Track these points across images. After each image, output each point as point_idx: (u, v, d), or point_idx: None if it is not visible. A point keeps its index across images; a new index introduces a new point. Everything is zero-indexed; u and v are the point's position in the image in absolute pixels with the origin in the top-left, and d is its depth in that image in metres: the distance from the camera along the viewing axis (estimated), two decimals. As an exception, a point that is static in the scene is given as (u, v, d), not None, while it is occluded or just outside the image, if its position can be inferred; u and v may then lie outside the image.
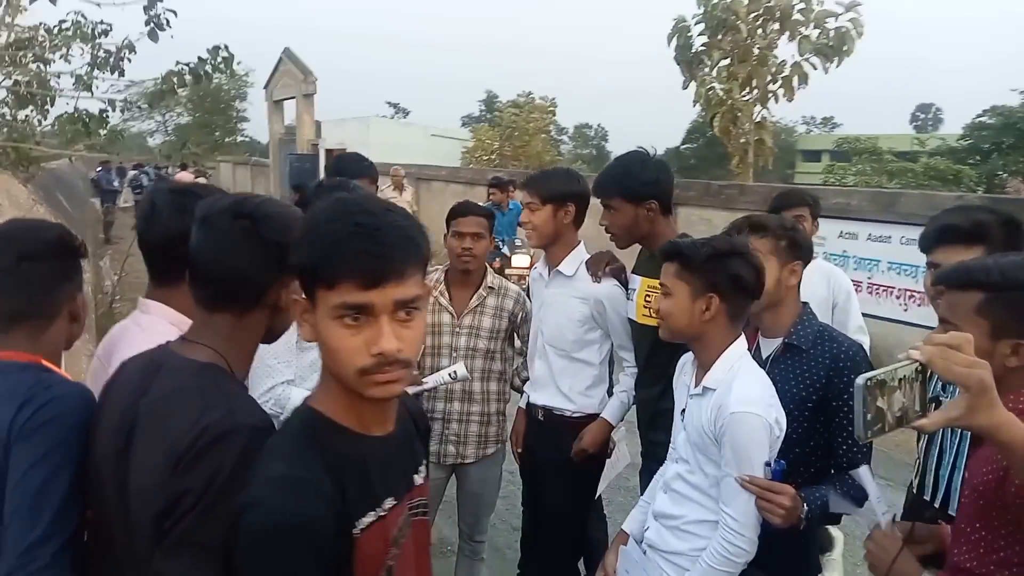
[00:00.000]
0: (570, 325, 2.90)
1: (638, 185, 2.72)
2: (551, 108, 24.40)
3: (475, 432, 3.13)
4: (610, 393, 2.98)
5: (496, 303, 3.13)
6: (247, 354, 1.43)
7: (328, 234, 1.11)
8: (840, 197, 8.80)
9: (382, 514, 1.22)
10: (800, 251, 2.19)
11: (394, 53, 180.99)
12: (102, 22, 3.20)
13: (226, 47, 2.80)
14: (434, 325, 3.08)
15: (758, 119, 13.87)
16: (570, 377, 2.94)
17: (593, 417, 2.90)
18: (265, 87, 29.78)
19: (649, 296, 2.72)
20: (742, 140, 13.67)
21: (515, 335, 3.24)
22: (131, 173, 26.78)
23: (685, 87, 14.53)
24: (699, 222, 10.06)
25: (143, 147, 55.54)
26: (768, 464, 1.93)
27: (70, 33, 2.94)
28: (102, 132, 2.51)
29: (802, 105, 39.83)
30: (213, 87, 44.34)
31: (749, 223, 2.26)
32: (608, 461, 3.03)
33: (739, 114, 13.52)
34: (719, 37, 13.53)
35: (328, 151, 23.88)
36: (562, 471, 2.92)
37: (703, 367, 2.02)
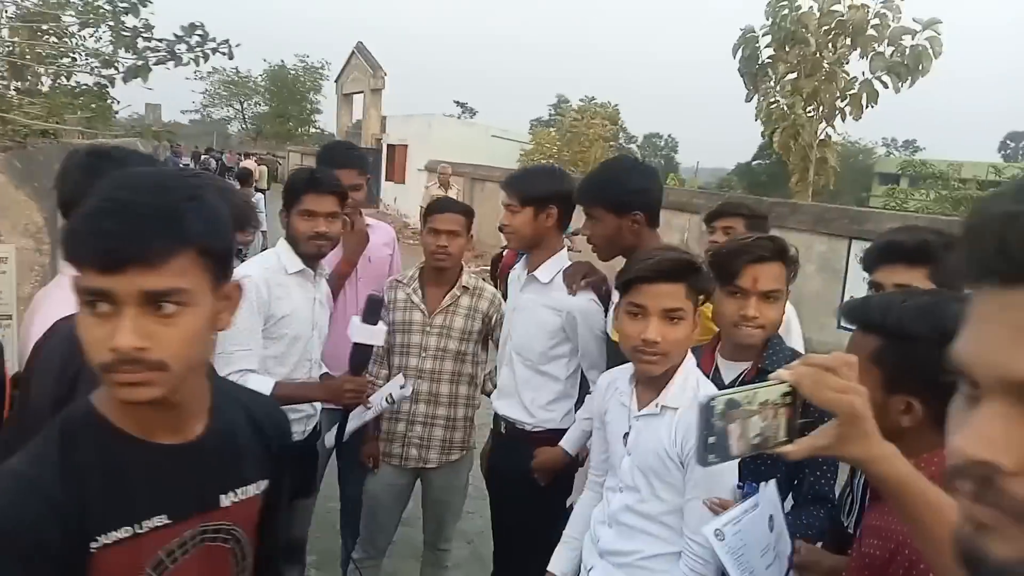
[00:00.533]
0: (539, 335, 2.75)
1: (623, 194, 2.53)
2: (613, 114, 24.23)
3: (439, 437, 3.05)
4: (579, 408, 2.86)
5: (470, 303, 3.05)
6: None
7: (81, 210, 1.01)
8: (893, 222, 8.42)
9: (139, 532, 1.08)
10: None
11: (468, 52, 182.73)
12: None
13: (202, 25, 2.79)
14: (405, 323, 3.01)
15: (822, 136, 13.37)
16: (533, 390, 2.79)
17: (554, 432, 2.76)
18: (336, 80, 30.46)
19: None
20: (803, 158, 13.20)
21: (488, 338, 3.15)
22: (203, 157, 27.82)
23: (748, 100, 14.12)
24: (747, 239, 9.79)
25: (222, 134, 57.56)
26: (740, 487, 1.80)
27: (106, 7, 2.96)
28: (92, 107, 2.52)
29: (883, 126, 38.44)
30: (290, 78, 45.76)
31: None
32: (580, 471, 2.91)
33: (801, 130, 13.05)
34: (786, 50, 13.10)
35: (390, 147, 24.21)
36: (521, 484, 2.80)
37: (654, 386, 1.87)
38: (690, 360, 1.89)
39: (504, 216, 2.77)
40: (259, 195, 11.26)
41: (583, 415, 2.68)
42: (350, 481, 3.41)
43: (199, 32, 2.70)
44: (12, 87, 2.49)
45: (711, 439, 1.05)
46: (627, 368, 1.97)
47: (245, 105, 51.06)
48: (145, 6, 2.91)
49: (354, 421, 2.87)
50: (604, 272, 2.83)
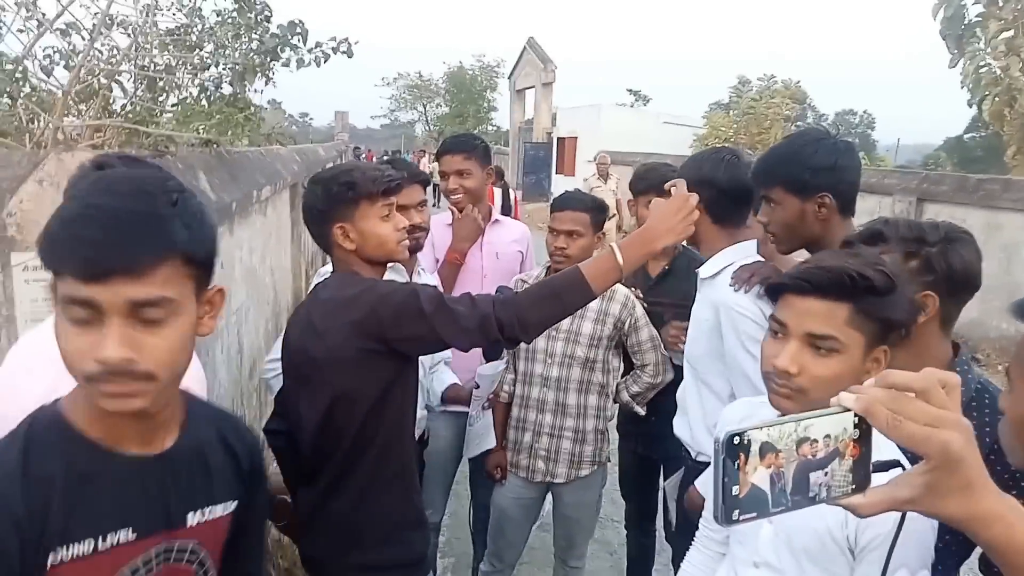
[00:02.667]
0: (697, 337, 2.36)
1: (806, 171, 2.04)
2: (797, 92, 22.55)
3: (567, 450, 2.85)
4: None
5: (600, 307, 2.81)
6: None
7: (58, 214, 0.97)
8: None
9: (102, 548, 1.03)
10: (937, 277, 1.54)
11: (644, 40, 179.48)
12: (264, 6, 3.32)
13: (301, 23, 2.80)
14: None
15: (1046, 101, 11.58)
16: (696, 405, 2.39)
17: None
18: (509, 77, 31.00)
19: None
20: (1021, 127, 11.48)
21: (623, 344, 2.91)
22: (377, 158, 29.80)
23: (952, 65, 12.52)
24: (950, 221, 8.66)
25: (409, 136, 60.79)
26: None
27: (245, 21, 3.10)
28: (215, 117, 2.61)
29: None
30: (468, 78, 47.33)
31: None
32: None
33: (1018, 95, 11.36)
34: (999, 4, 11.46)
35: (560, 139, 24.24)
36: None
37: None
38: None
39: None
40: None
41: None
42: (479, 485, 3.32)
43: (299, 31, 2.74)
44: (147, 100, 2.64)
45: (735, 489, 0.76)
46: (765, 402, 1.52)
47: (428, 108, 53.49)
48: (268, 19, 2.98)
49: (477, 427, 2.83)
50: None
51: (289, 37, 2.84)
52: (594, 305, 2.80)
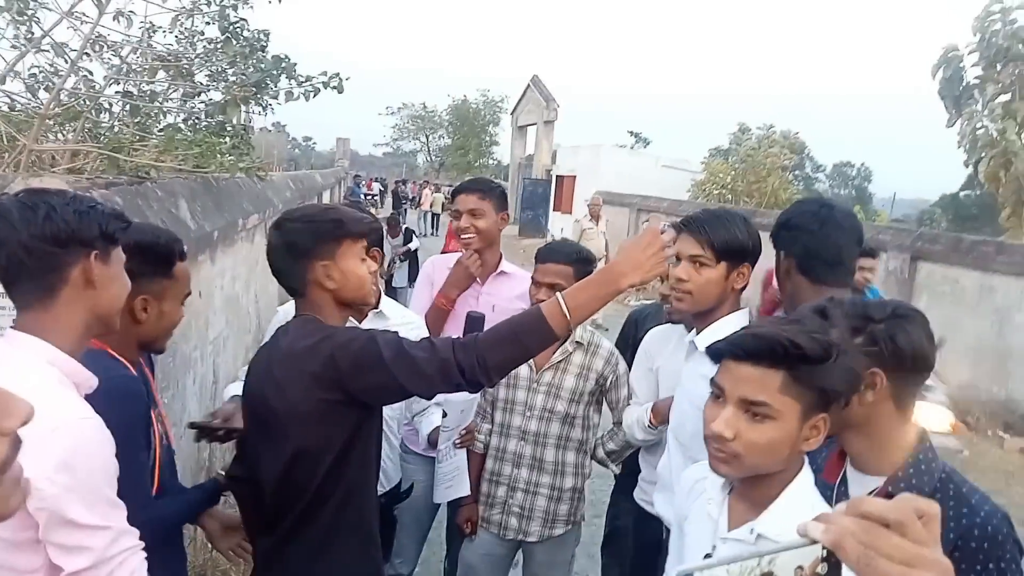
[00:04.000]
0: (691, 413, 2.11)
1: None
2: (795, 143, 22.74)
3: (542, 507, 2.74)
4: None
5: (583, 361, 2.72)
6: None
7: None
8: None
9: None
10: (883, 354, 1.47)
11: (646, 83, 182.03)
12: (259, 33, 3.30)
13: (287, 58, 2.77)
14: (510, 376, 2.72)
15: (1041, 166, 11.68)
16: None
17: None
18: (512, 113, 31.29)
19: None
20: (1016, 190, 11.56)
21: (602, 399, 2.82)
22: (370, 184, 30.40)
23: (950, 125, 12.66)
24: (943, 282, 8.65)
25: (411, 165, 61.12)
26: None
27: (242, 50, 3.08)
28: (198, 146, 2.56)
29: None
30: (471, 112, 47.76)
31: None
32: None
33: (1014, 158, 11.46)
34: (997, 68, 11.62)
35: (559, 177, 24.36)
36: None
37: (753, 499, 1.40)
38: (806, 476, 1.42)
39: (683, 269, 2.16)
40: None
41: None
42: (456, 536, 3.20)
43: (284, 66, 2.71)
44: (131, 125, 2.59)
45: None
46: None
47: (430, 138, 53.89)
48: (263, 49, 2.96)
49: (445, 466, 2.72)
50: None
51: (276, 72, 2.80)
52: (577, 359, 2.73)
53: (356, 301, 1.85)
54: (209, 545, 3.52)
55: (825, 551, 0.71)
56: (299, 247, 1.79)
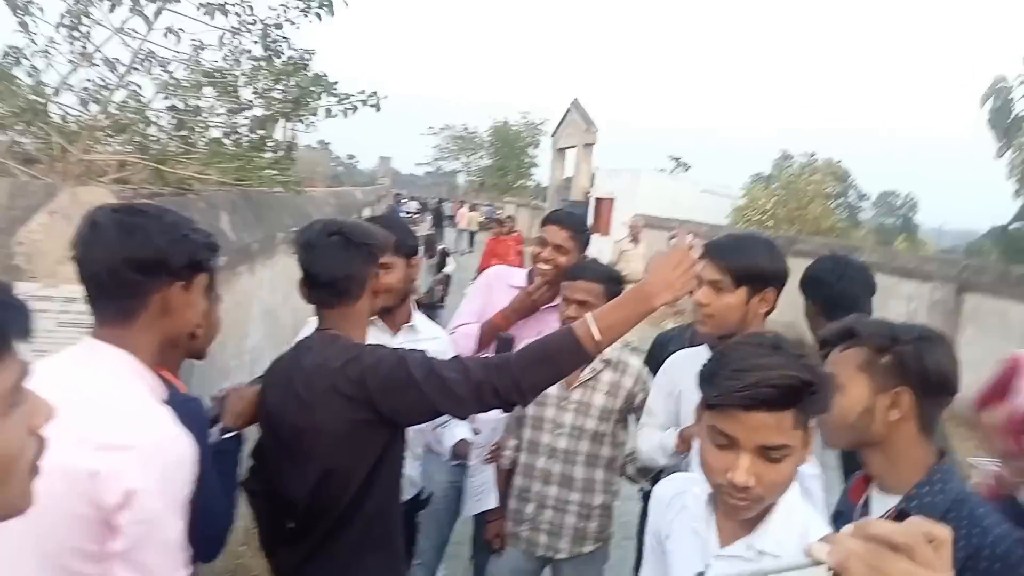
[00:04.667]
0: None
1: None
2: (838, 170, 22.41)
3: (571, 524, 2.74)
4: None
5: (612, 379, 2.74)
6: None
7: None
8: None
9: None
10: (910, 375, 1.50)
11: (686, 114, 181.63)
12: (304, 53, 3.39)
13: (325, 76, 2.84)
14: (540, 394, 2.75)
15: (1096, 198, 11.35)
16: None
17: None
18: (552, 135, 31.40)
19: None
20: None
21: (630, 418, 2.81)
22: (404, 202, 30.92)
23: (1000, 155, 12.41)
24: (990, 314, 8.41)
25: (451, 185, 61.72)
26: None
27: (288, 68, 3.17)
28: (239, 160, 2.63)
29: None
30: (511, 134, 48.09)
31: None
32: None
33: (1066, 190, 11.17)
34: (1048, 99, 11.37)
35: (598, 200, 24.33)
36: None
37: (748, 518, 1.36)
38: (795, 486, 1.40)
39: (703, 293, 2.19)
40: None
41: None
42: (481, 550, 3.20)
43: (323, 83, 2.77)
44: (176, 139, 2.67)
45: None
46: (699, 479, 1.45)
47: (471, 159, 54.31)
48: (306, 67, 3.04)
49: (476, 480, 2.72)
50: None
51: (315, 90, 2.87)
52: (606, 378, 2.73)
53: (379, 310, 1.90)
54: (238, 552, 3.57)
55: (831, 573, 0.70)
56: (359, 262, 1.80)
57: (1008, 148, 12.18)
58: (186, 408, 1.46)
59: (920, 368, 1.48)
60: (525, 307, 2.96)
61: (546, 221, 3.00)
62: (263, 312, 4.22)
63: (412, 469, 2.70)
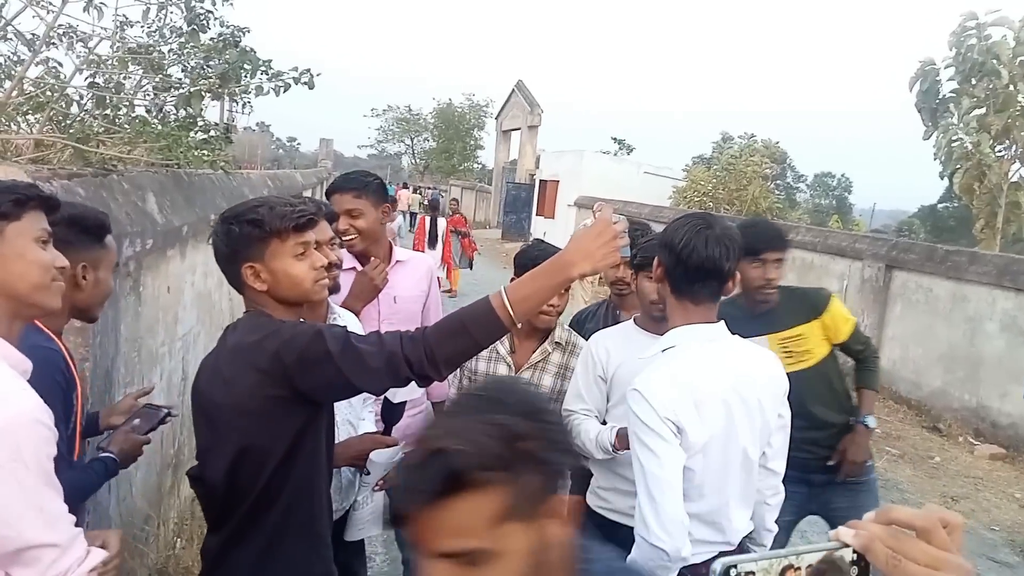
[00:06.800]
0: None
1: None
2: (776, 152, 22.93)
3: None
4: None
5: (561, 360, 2.75)
6: None
7: None
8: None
9: None
10: None
11: (628, 96, 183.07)
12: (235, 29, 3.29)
13: (252, 51, 2.76)
14: (488, 375, 2.75)
15: (1014, 179, 11.86)
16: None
17: None
18: (496, 117, 31.34)
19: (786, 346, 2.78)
20: (989, 202, 11.73)
21: None
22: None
23: (926, 137, 12.82)
24: (917, 290, 8.75)
25: (396, 167, 60.94)
26: None
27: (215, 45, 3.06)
28: (164, 139, 2.54)
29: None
30: (456, 116, 47.75)
31: None
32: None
33: (988, 171, 11.63)
34: (972, 83, 11.79)
35: (542, 182, 24.41)
36: None
37: None
38: None
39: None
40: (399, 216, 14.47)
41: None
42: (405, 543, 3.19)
43: (251, 59, 2.70)
44: (98, 116, 2.57)
45: None
46: None
47: (415, 141, 53.75)
48: (237, 44, 2.94)
49: (364, 512, 2.49)
50: None
51: (243, 66, 2.79)
52: (555, 359, 2.74)
53: (297, 299, 1.78)
54: (172, 542, 3.50)
55: (856, 555, 0.76)
56: (224, 251, 1.75)
57: (935, 130, 12.61)
58: (37, 355, 1.44)
59: None
60: (367, 291, 2.73)
61: (327, 195, 2.78)
62: (196, 297, 4.12)
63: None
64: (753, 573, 0.76)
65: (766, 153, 22.21)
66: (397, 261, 2.89)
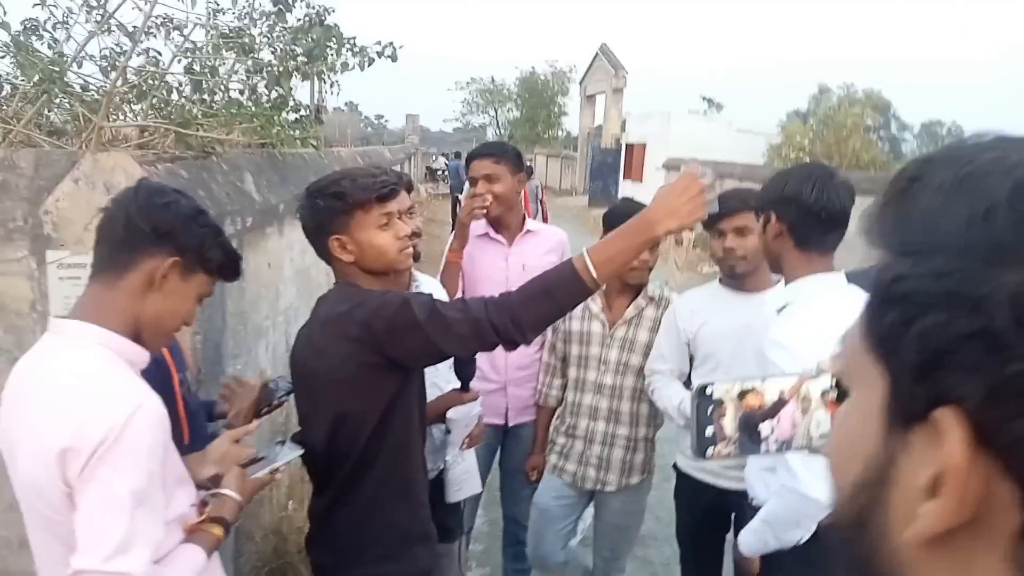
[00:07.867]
0: None
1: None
2: (879, 101, 21.67)
3: (619, 457, 2.82)
4: None
5: (655, 315, 2.78)
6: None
7: None
8: None
9: None
10: None
11: (716, 54, 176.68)
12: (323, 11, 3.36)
13: (336, 27, 2.78)
14: (583, 334, 2.81)
15: None
16: None
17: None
18: (580, 83, 30.90)
19: None
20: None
21: None
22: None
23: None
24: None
25: (481, 140, 61.19)
26: None
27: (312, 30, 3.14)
28: (257, 120, 2.63)
29: None
30: (539, 84, 47.36)
31: None
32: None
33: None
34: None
35: (628, 146, 23.96)
36: None
37: None
38: None
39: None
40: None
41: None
42: (509, 497, 3.25)
43: (335, 36, 2.74)
44: (195, 101, 2.68)
45: (709, 430, 0.87)
46: None
47: (499, 112, 53.72)
48: (323, 23, 2.99)
49: (456, 471, 2.49)
50: None
51: (328, 43, 2.84)
52: (649, 313, 2.78)
53: (383, 268, 1.82)
54: (284, 504, 3.68)
55: (835, 379, 0.85)
56: (312, 225, 1.80)
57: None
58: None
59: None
60: (465, 235, 2.92)
61: (468, 159, 2.95)
62: (295, 272, 4.27)
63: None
64: (722, 397, 0.87)
65: (867, 103, 21.01)
66: (528, 231, 3.04)
